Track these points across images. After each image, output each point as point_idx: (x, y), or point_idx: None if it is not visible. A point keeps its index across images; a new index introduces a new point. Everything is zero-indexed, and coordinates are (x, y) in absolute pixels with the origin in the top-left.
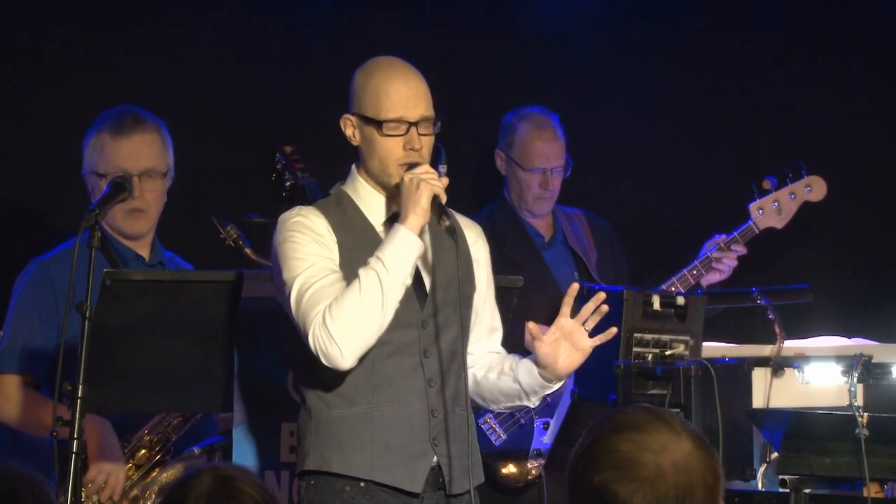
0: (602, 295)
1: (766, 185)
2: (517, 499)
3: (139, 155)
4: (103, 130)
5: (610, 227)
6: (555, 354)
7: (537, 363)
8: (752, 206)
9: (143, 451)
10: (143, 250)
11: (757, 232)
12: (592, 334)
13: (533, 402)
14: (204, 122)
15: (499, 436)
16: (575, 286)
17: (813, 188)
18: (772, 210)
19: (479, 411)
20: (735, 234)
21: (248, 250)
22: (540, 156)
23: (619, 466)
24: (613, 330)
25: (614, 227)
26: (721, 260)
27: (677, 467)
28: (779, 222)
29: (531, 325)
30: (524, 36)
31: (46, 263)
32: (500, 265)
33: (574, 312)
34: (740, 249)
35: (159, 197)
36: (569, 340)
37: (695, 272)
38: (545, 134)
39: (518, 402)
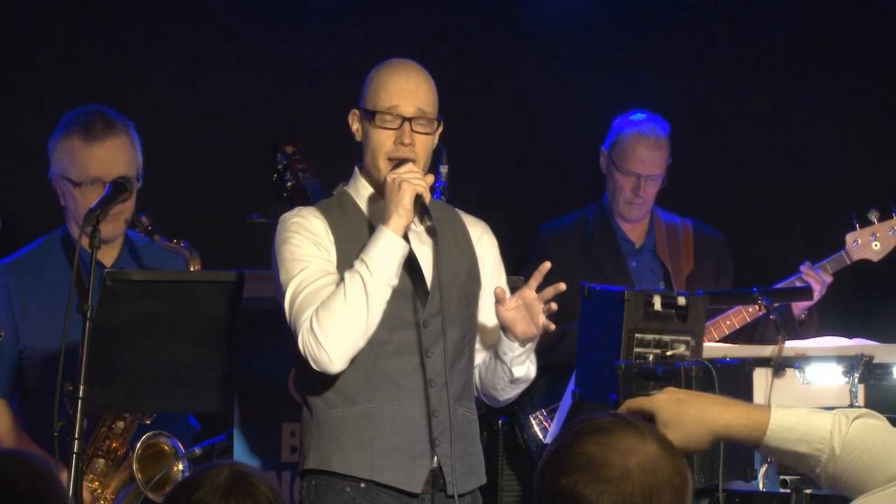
0: (562, 286)
1: (874, 215)
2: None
3: (111, 161)
4: (73, 134)
5: (721, 240)
6: (514, 319)
7: (501, 326)
8: (849, 236)
9: (102, 461)
10: (107, 255)
11: (849, 262)
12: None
13: (515, 371)
14: (205, 122)
15: (548, 429)
16: (547, 265)
17: None
18: (868, 242)
19: (522, 409)
20: (825, 262)
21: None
22: (636, 160)
23: (586, 468)
24: (554, 306)
25: (725, 242)
26: (805, 279)
27: (643, 468)
28: (874, 255)
29: (497, 289)
30: (530, 36)
31: (4, 270)
32: (582, 266)
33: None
34: (826, 278)
35: (132, 202)
36: (528, 311)
37: None
38: (647, 140)
39: (505, 378)
